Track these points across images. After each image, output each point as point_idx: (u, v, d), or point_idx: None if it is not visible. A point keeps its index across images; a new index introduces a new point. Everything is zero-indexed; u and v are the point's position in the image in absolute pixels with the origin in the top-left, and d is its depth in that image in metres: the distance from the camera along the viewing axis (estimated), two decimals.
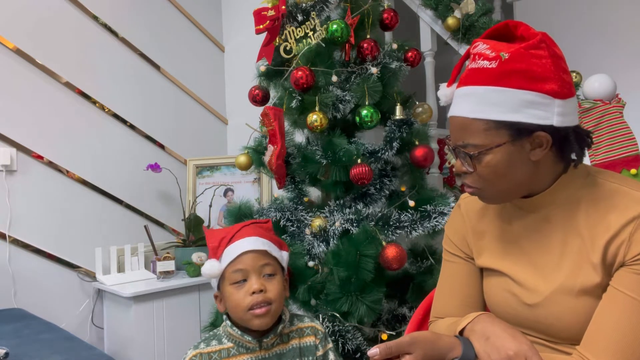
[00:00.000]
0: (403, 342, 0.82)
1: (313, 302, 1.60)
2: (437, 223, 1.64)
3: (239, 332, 1.07)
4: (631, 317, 0.76)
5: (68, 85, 2.38)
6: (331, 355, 1.15)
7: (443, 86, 0.92)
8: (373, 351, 0.80)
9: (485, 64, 0.80)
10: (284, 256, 1.14)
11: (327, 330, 1.20)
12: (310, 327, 1.15)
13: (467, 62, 0.86)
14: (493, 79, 0.79)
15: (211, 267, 1.08)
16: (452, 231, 1.04)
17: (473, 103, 0.81)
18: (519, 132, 0.79)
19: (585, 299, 0.82)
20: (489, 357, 0.81)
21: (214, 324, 1.69)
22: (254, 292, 1.03)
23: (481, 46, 0.82)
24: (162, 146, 2.72)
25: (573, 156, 0.85)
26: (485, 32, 0.87)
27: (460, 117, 0.84)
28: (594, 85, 1.60)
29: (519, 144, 0.81)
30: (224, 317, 1.12)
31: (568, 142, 0.82)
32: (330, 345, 1.16)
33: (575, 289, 0.82)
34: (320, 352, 1.13)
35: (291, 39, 1.77)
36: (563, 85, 0.78)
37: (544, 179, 0.85)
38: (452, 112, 0.86)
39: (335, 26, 1.67)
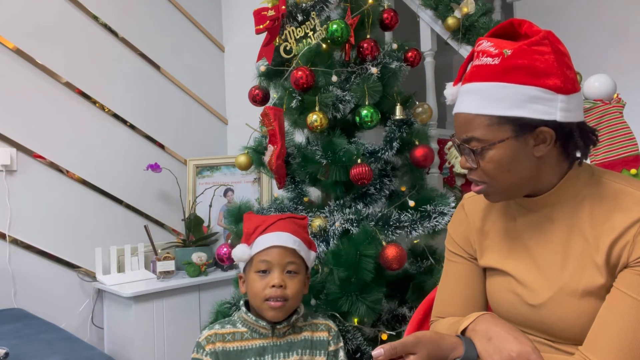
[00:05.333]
0: (408, 342, 0.82)
1: (313, 302, 1.60)
2: (437, 223, 1.64)
3: (254, 318, 1.12)
4: (634, 318, 0.76)
5: (68, 85, 2.38)
6: (341, 354, 1.18)
7: (449, 85, 0.92)
8: (377, 351, 0.80)
9: (488, 60, 0.81)
10: (311, 256, 1.19)
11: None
12: (324, 324, 1.20)
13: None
14: (496, 75, 0.80)
15: (242, 252, 1.14)
16: (455, 231, 1.04)
17: (476, 99, 0.82)
18: (522, 127, 0.80)
19: (589, 300, 0.82)
20: (491, 357, 0.81)
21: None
22: (273, 286, 1.08)
23: (485, 44, 0.83)
24: (162, 146, 2.72)
25: (578, 154, 0.84)
26: (490, 31, 0.87)
27: (464, 114, 0.84)
28: (594, 85, 1.60)
29: (523, 140, 0.81)
30: (241, 302, 1.17)
31: (572, 138, 0.82)
32: (342, 344, 1.20)
33: (579, 290, 0.82)
34: (331, 348, 1.17)
35: (291, 39, 1.77)
36: (566, 80, 0.78)
37: (548, 177, 0.85)
38: (456, 109, 0.87)
39: (335, 26, 1.67)
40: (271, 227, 1.14)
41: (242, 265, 1.17)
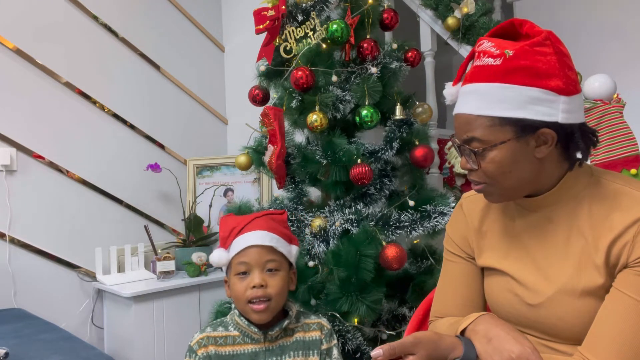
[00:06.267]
0: (407, 342, 0.81)
1: (313, 302, 1.60)
2: (437, 223, 1.64)
3: (246, 323, 1.10)
4: (633, 318, 0.76)
5: (68, 85, 2.38)
6: (335, 351, 1.16)
7: (448, 85, 0.92)
8: (376, 352, 0.80)
9: (489, 61, 0.80)
10: (292, 251, 1.16)
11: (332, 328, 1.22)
12: (316, 322, 1.18)
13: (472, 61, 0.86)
14: (497, 75, 0.79)
15: (219, 257, 1.12)
16: (454, 230, 1.04)
17: (478, 100, 0.81)
18: (524, 128, 0.79)
19: (588, 300, 0.81)
20: (491, 358, 0.81)
21: None
22: (254, 287, 1.06)
23: (486, 44, 0.82)
24: (162, 146, 2.72)
25: (578, 155, 0.84)
26: (490, 30, 0.87)
27: (465, 114, 0.84)
28: (594, 85, 1.60)
29: (524, 141, 0.80)
30: (233, 305, 1.15)
31: (573, 140, 0.82)
32: (335, 341, 1.18)
33: (578, 290, 0.82)
34: (324, 346, 1.15)
35: (291, 39, 1.77)
36: (568, 82, 0.78)
37: (548, 178, 0.85)
38: (457, 110, 0.86)
39: (335, 26, 1.67)
40: (247, 227, 1.12)
41: (224, 269, 1.15)
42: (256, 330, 1.09)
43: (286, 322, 1.12)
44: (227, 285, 1.15)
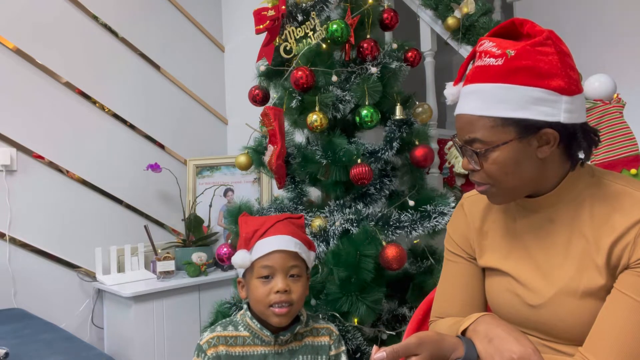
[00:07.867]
0: (411, 344, 0.80)
1: (313, 302, 1.60)
2: (437, 223, 1.64)
3: (259, 325, 1.10)
4: (634, 319, 0.76)
5: (68, 85, 2.38)
6: (343, 358, 1.16)
7: (449, 85, 0.91)
8: (379, 355, 0.78)
9: (491, 61, 0.80)
10: (311, 256, 1.16)
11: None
12: (325, 328, 1.18)
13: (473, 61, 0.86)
14: (499, 76, 0.79)
15: (242, 258, 1.11)
16: (455, 230, 1.04)
17: (480, 100, 0.81)
18: (526, 129, 0.79)
19: (589, 301, 0.81)
20: (492, 358, 0.81)
21: (214, 324, 1.69)
22: (278, 291, 1.06)
23: (487, 44, 0.82)
24: (162, 146, 2.72)
25: (580, 154, 0.84)
26: (491, 30, 0.86)
27: (467, 115, 0.83)
28: (594, 85, 1.60)
29: (526, 141, 0.80)
30: (244, 306, 1.14)
31: (575, 139, 0.82)
32: (343, 348, 1.18)
33: (579, 291, 0.82)
34: (333, 352, 1.16)
35: (291, 39, 1.77)
36: (570, 81, 0.78)
37: (550, 178, 0.85)
38: (458, 110, 0.86)
39: (335, 26, 1.67)
40: (270, 230, 1.11)
41: (241, 271, 1.14)
42: (268, 333, 1.09)
43: (298, 327, 1.12)
44: (241, 286, 1.14)
